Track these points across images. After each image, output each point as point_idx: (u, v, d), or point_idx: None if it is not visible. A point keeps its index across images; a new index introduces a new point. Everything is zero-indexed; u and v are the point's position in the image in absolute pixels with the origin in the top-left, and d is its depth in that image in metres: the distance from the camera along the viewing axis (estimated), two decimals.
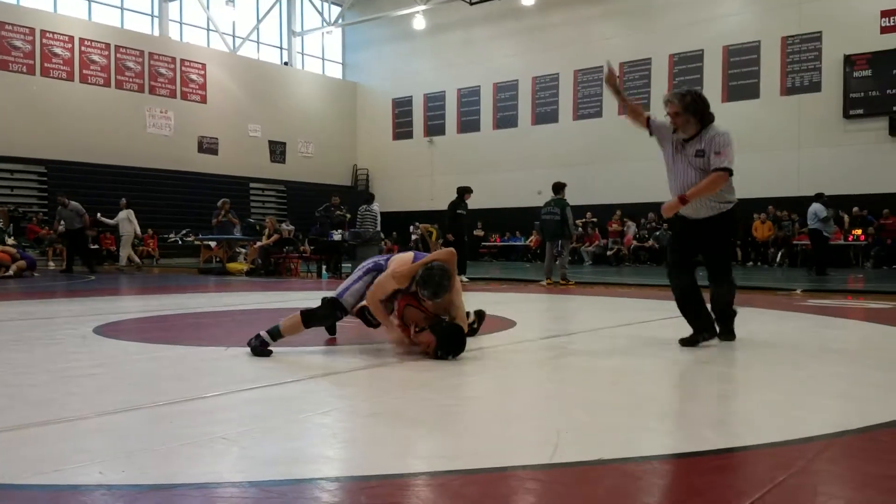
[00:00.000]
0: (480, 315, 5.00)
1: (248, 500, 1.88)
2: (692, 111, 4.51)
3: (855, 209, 18.30)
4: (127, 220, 16.87)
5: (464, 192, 13.11)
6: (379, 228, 15.08)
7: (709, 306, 4.76)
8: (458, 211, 12.97)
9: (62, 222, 15.53)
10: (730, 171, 4.44)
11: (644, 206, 21.17)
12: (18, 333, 5.32)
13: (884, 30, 18.40)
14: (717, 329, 4.73)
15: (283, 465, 2.16)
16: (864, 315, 6.72)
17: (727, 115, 19.88)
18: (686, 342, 4.62)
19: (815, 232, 14.12)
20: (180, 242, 22.82)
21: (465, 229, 13.43)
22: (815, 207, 13.96)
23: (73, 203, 15.17)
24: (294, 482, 2.03)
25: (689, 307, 4.70)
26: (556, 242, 11.59)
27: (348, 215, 16.26)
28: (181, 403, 2.97)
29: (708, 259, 4.77)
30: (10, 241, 14.60)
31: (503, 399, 3.19)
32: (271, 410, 2.90)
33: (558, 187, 11.61)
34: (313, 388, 3.39)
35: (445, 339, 3.99)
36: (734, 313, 4.84)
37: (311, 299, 8.48)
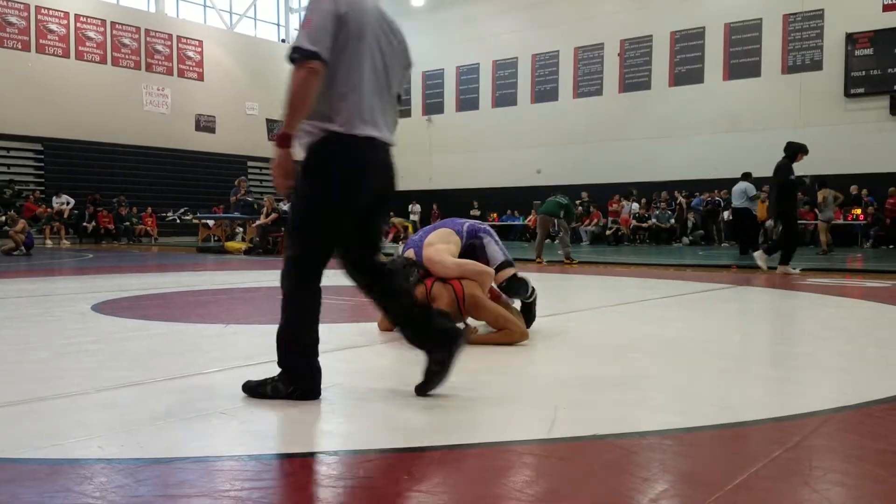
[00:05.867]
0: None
1: (247, 473, 1.89)
2: None
3: (853, 188, 18.27)
4: None
5: (797, 150, 9.51)
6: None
7: None
8: (791, 178, 9.34)
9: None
10: None
11: (647, 184, 21.05)
12: (17, 310, 5.32)
13: (886, 8, 18.28)
14: None
15: (281, 439, 2.17)
16: (862, 293, 6.73)
17: (728, 94, 19.96)
18: None
19: (744, 210, 13.84)
20: (178, 221, 22.79)
21: (797, 205, 9.79)
22: (744, 186, 13.72)
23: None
24: (292, 456, 2.04)
25: None
26: (553, 221, 11.56)
27: None
28: (180, 379, 2.98)
29: None
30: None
31: (501, 375, 3.19)
32: None
33: (576, 204, 12.17)
34: None
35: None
36: None
37: None
